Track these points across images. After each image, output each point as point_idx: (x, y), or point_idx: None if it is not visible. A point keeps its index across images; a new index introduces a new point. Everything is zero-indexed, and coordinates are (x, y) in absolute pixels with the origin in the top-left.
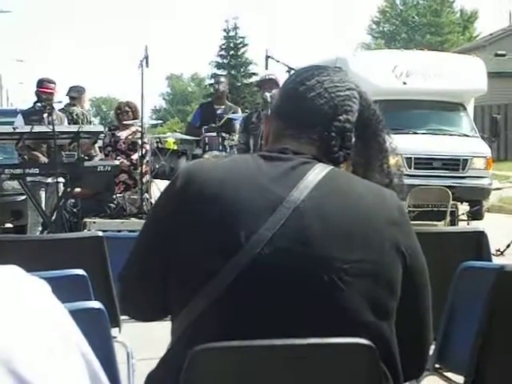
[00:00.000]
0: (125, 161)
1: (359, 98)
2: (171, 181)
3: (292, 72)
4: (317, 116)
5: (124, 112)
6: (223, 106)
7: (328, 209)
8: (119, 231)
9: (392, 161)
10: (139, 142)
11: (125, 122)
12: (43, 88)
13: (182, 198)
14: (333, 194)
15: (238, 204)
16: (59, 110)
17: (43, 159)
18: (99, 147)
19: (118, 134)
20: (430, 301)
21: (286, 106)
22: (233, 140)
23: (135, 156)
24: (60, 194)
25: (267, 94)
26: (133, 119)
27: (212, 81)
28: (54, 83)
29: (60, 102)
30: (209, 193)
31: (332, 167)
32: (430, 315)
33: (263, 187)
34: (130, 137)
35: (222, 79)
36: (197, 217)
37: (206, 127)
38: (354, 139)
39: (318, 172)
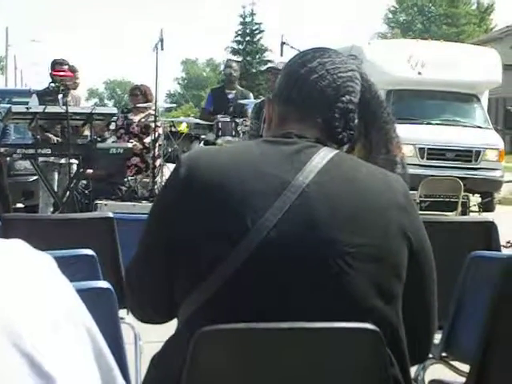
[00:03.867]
0: (137, 144)
1: (360, 79)
2: (174, 169)
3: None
4: (319, 98)
5: (136, 95)
6: (234, 91)
7: (333, 193)
8: (130, 214)
9: (397, 151)
10: (152, 125)
11: (138, 105)
12: (55, 70)
13: (185, 185)
14: (338, 178)
15: (243, 190)
16: None
17: (55, 139)
18: (111, 130)
19: (131, 117)
20: (435, 285)
21: (288, 89)
22: (246, 126)
23: (148, 139)
24: (72, 175)
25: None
26: (145, 102)
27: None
28: (66, 64)
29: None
30: (212, 180)
31: (337, 151)
32: (435, 300)
33: (267, 172)
34: (142, 120)
35: (233, 64)
36: (201, 204)
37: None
38: (356, 120)
39: (323, 156)
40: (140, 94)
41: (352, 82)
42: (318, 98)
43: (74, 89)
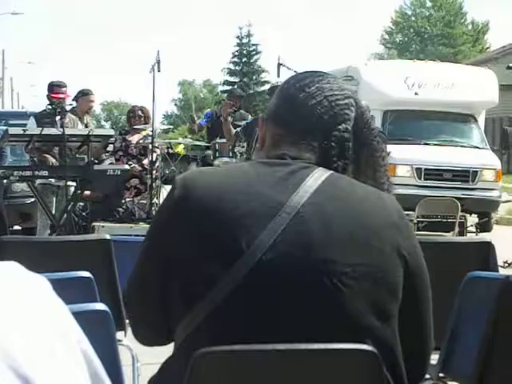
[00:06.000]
0: (136, 165)
1: (355, 106)
2: (170, 190)
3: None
4: (317, 124)
5: (137, 116)
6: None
7: (328, 213)
8: (128, 235)
9: (385, 178)
10: (150, 146)
11: (136, 127)
12: (54, 93)
13: (180, 206)
14: (333, 199)
15: (238, 211)
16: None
17: (52, 160)
18: (109, 151)
19: (129, 139)
20: (430, 303)
21: (285, 112)
22: (243, 147)
23: (146, 161)
24: (70, 197)
25: None
26: (144, 124)
27: (224, 88)
28: (65, 87)
29: (71, 105)
30: (207, 201)
31: (332, 172)
32: (431, 318)
33: (262, 193)
34: (140, 141)
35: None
36: (196, 226)
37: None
38: (351, 150)
39: (317, 177)
40: (143, 116)
41: (348, 110)
42: (315, 125)
43: (88, 113)
